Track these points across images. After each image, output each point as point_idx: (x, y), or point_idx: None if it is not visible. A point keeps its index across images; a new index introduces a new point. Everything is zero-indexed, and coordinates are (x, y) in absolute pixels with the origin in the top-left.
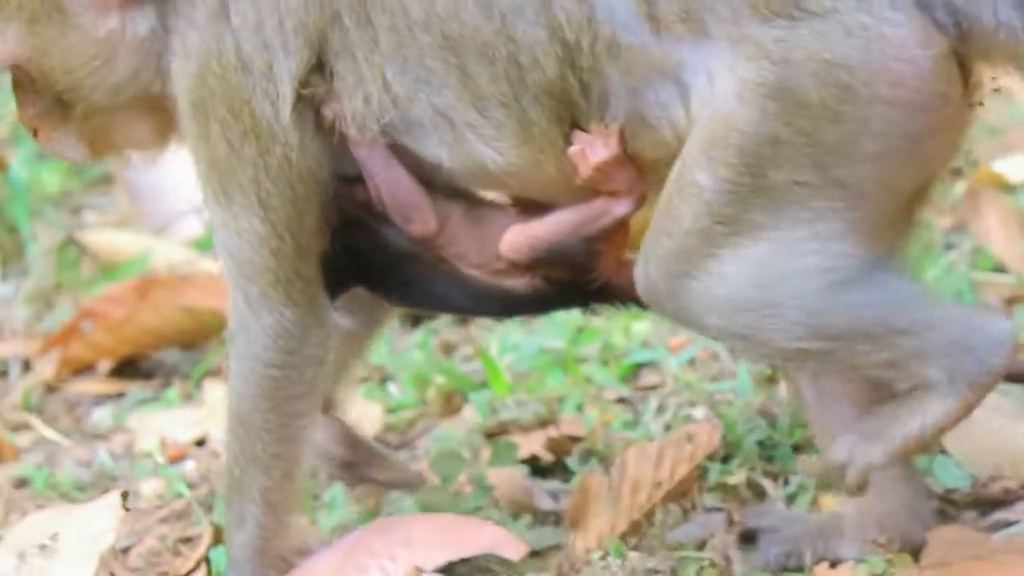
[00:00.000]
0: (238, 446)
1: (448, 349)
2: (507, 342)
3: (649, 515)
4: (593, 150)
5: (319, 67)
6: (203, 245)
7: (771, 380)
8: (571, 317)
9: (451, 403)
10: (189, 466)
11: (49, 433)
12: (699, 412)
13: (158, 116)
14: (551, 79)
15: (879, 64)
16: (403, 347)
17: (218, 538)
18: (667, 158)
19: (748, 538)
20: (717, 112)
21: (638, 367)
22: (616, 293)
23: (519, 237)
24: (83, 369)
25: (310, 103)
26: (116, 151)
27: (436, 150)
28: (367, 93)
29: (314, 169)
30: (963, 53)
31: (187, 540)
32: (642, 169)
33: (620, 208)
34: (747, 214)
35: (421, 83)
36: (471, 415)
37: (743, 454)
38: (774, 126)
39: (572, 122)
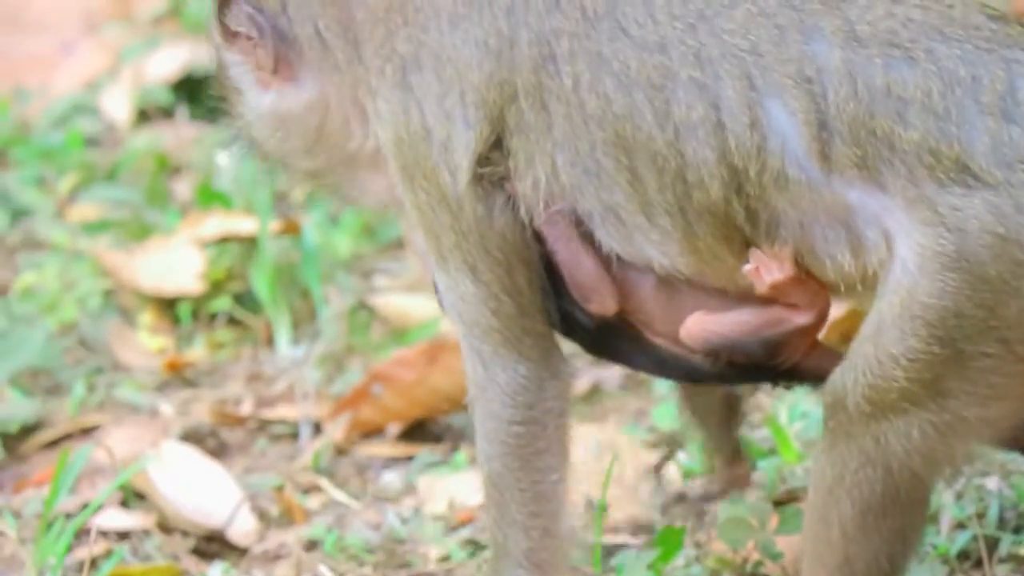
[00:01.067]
0: (496, 511)
1: None
2: (796, 410)
3: None
4: (768, 270)
5: (498, 144)
6: None
7: None
8: None
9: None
10: (477, 529)
11: (339, 495)
12: (991, 482)
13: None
14: (714, 200)
15: None
16: None
17: None
18: (843, 282)
19: None
20: (900, 283)
21: None
22: (807, 374)
23: (697, 327)
24: (373, 432)
25: (493, 176)
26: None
27: (608, 241)
28: (536, 177)
29: (509, 236)
30: None
31: None
32: (823, 284)
33: (800, 319)
34: (940, 382)
35: (592, 176)
36: (759, 482)
37: None
38: (957, 299)
39: (743, 241)
